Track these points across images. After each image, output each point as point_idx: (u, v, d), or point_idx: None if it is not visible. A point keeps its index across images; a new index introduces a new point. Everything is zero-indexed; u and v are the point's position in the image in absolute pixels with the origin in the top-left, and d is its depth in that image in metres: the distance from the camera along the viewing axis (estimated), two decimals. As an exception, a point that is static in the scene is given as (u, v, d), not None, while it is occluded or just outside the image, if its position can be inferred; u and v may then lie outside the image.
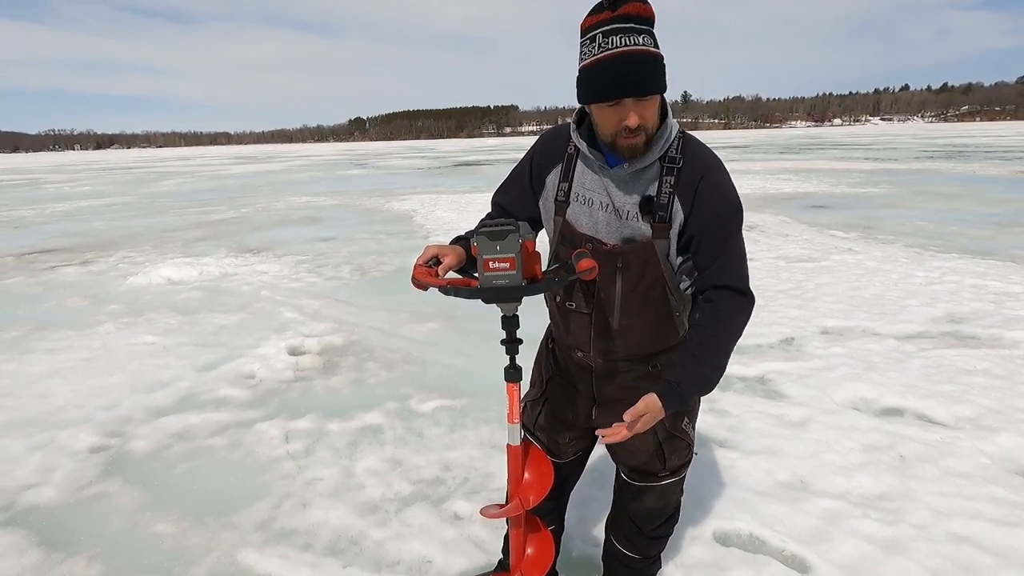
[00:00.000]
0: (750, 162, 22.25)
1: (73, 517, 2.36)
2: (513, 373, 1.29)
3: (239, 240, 8.71)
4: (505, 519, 1.56)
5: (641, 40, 1.18)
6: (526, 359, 1.37)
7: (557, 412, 1.59)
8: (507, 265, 1.14)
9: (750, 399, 3.17)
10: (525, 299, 1.21)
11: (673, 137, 1.31)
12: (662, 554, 1.87)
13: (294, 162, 38.26)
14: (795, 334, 4.08)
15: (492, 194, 1.57)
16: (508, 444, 1.36)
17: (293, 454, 2.77)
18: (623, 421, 1.50)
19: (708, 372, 1.32)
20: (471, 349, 4.03)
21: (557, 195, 1.41)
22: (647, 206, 1.31)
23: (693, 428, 1.57)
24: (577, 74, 1.26)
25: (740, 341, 4.06)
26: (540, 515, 1.74)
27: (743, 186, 13.66)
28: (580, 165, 1.39)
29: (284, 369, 3.78)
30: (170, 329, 4.64)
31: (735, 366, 3.57)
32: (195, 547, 2.15)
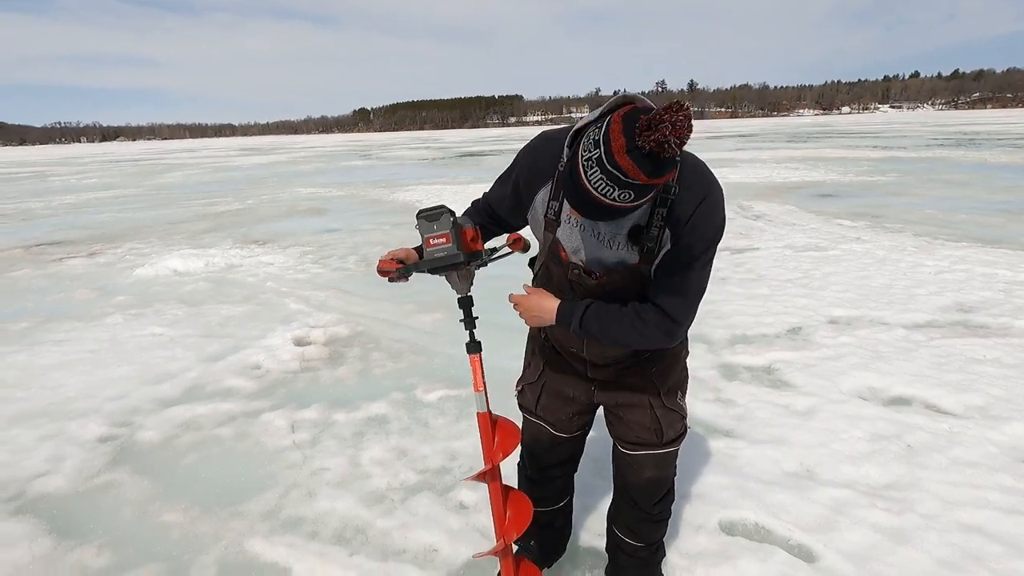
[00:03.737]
0: (757, 151, 22.00)
1: (82, 506, 2.38)
2: (472, 346, 1.44)
3: (244, 232, 8.72)
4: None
5: (621, 196, 1.08)
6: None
7: (558, 391, 1.63)
8: (443, 240, 1.31)
9: (756, 388, 3.15)
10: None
11: None
12: (667, 545, 1.88)
13: (299, 154, 38.23)
14: (802, 323, 4.05)
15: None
16: (477, 412, 1.46)
17: (299, 444, 2.78)
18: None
19: (594, 329, 1.34)
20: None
21: (547, 213, 1.39)
22: (636, 236, 1.29)
23: (685, 401, 1.62)
24: (580, 150, 1.12)
25: (747, 331, 4.03)
26: (555, 492, 1.81)
27: (749, 176, 13.56)
28: None
29: (290, 360, 3.79)
30: (177, 320, 4.66)
31: (742, 355, 3.56)
32: (204, 536, 2.17)
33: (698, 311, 1.34)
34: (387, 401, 3.17)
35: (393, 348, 3.95)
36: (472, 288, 1.44)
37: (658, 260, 1.29)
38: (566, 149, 1.30)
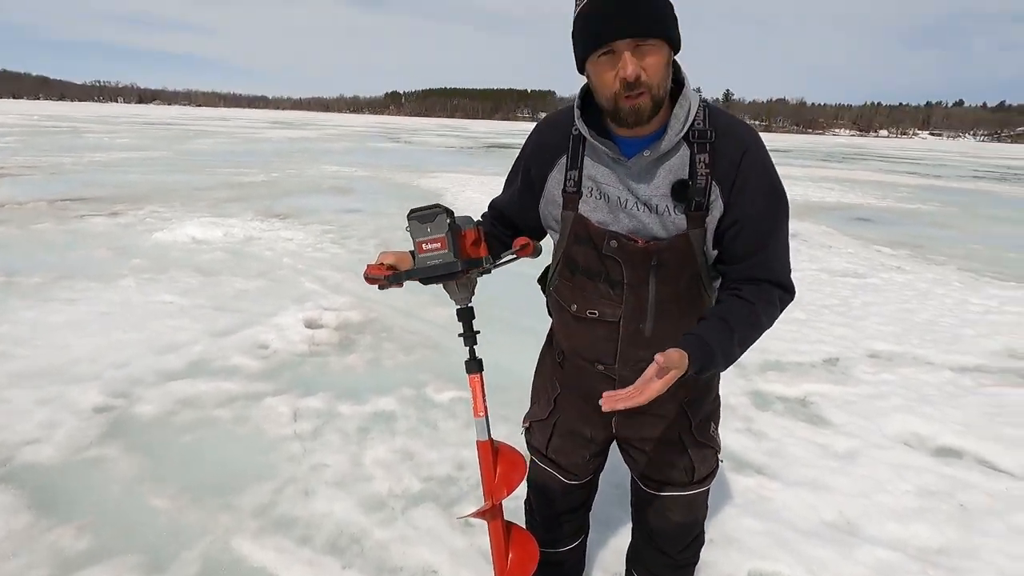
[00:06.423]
0: (790, 167, 21.48)
1: (69, 480, 2.26)
2: (472, 365, 1.26)
3: (267, 204, 8.64)
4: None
5: None
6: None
7: (573, 431, 1.42)
8: (438, 245, 1.15)
9: (791, 422, 2.93)
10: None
11: (696, 108, 1.12)
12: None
13: (328, 131, 38.34)
14: (841, 355, 3.80)
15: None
16: (477, 440, 1.25)
17: (301, 435, 2.63)
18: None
19: (736, 347, 1.09)
20: (495, 338, 3.82)
21: (566, 186, 1.20)
22: (681, 192, 1.11)
23: (718, 433, 1.41)
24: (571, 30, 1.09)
25: (780, 357, 3.75)
26: (566, 535, 1.60)
27: (784, 191, 13.14)
28: (587, 158, 1.19)
29: (299, 342, 3.65)
30: (190, 289, 4.56)
31: (775, 384, 3.33)
32: (190, 527, 2.02)
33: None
34: (396, 396, 3.00)
35: (406, 340, 3.78)
36: (473, 298, 1.27)
37: (714, 221, 1.12)
38: (578, 120, 1.14)
